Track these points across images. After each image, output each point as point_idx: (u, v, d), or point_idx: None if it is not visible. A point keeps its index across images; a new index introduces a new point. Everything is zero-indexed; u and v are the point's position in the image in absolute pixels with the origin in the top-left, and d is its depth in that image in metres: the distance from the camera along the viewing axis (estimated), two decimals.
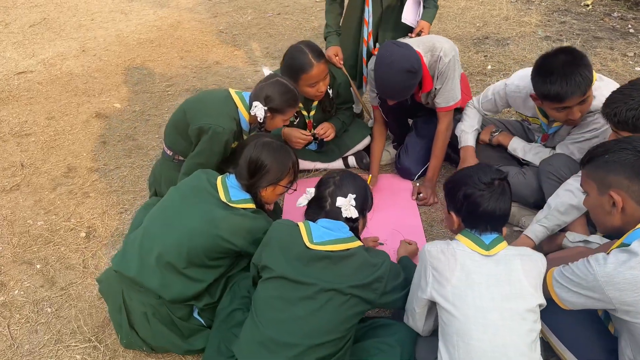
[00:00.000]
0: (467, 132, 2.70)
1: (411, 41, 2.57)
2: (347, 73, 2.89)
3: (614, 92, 1.92)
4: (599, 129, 2.25)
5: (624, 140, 1.59)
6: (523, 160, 2.57)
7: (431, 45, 2.53)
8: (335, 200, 1.79)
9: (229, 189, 1.96)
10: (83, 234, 2.62)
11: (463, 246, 1.63)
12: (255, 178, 1.95)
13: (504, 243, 1.63)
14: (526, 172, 2.45)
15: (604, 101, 1.95)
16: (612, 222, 1.59)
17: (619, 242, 1.56)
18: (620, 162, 1.54)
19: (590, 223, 2.14)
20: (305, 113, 2.83)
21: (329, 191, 1.82)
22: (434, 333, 1.74)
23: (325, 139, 2.82)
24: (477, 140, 2.73)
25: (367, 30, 2.94)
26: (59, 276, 2.39)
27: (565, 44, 4.29)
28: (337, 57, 2.87)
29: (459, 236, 1.67)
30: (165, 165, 2.50)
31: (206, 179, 2.00)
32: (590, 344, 1.69)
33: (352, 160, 3.03)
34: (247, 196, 1.97)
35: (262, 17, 5.38)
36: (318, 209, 1.83)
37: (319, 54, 2.54)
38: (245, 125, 2.32)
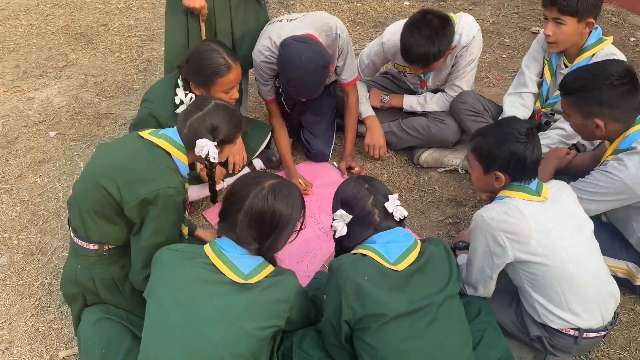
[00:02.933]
0: (363, 103, 2.78)
1: (297, 24, 2.43)
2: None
3: None
4: (473, 55, 2.54)
5: (597, 74, 1.83)
6: (421, 112, 2.77)
7: (322, 24, 2.45)
8: (384, 208, 1.64)
9: (234, 261, 1.54)
10: None
11: (519, 200, 1.72)
12: (273, 237, 1.58)
13: (545, 185, 1.78)
14: (442, 117, 2.66)
15: (467, 36, 2.34)
16: (596, 137, 1.92)
17: (611, 149, 1.88)
18: (599, 95, 1.80)
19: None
20: None
21: (370, 202, 1.65)
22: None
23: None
24: None
25: None
26: None
27: None
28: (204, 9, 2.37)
29: (508, 192, 1.75)
30: (91, 265, 1.84)
31: (192, 258, 1.54)
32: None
33: (258, 163, 2.77)
34: (260, 259, 1.59)
35: None
36: (364, 227, 1.64)
37: (233, 54, 2.19)
38: (184, 172, 1.81)
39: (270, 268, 1.58)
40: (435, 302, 1.52)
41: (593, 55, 2.20)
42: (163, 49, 3.79)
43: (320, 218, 2.48)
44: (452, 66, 2.61)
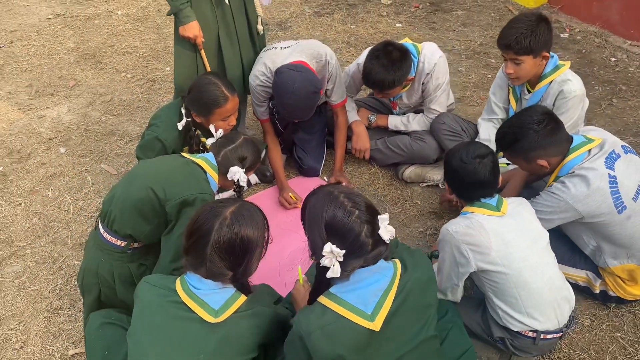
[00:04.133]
0: (349, 111, 2.99)
1: (290, 52, 2.66)
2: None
3: (505, 28, 2.37)
4: (439, 80, 2.73)
5: (521, 126, 2.03)
6: (404, 132, 2.98)
7: (312, 51, 2.68)
8: (376, 235, 1.51)
9: (203, 298, 1.54)
10: None
11: (481, 215, 1.92)
12: (246, 262, 1.58)
13: (504, 200, 1.98)
14: (423, 136, 2.87)
15: (429, 63, 2.63)
16: (545, 173, 2.14)
17: (553, 176, 2.10)
18: (530, 143, 2.01)
19: None
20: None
21: (364, 232, 1.48)
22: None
23: None
24: None
25: None
26: None
27: (335, 16, 4.80)
28: (199, 39, 2.57)
29: (472, 208, 1.95)
30: (114, 260, 2.08)
31: (165, 296, 1.57)
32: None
33: (253, 178, 2.99)
34: (231, 290, 1.59)
35: None
36: (355, 260, 1.49)
37: (231, 87, 2.42)
38: (215, 189, 2.13)
39: (241, 299, 1.58)
40: (409, 350, 1.51)
41: (551, 82, 2.41)
42: (167, 68, 4.06)
43: None
44: (422, 91, 2.82)
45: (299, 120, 2.80)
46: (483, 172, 1.91)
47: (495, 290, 1.91)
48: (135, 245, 2.10)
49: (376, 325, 1.45)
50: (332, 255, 1.46)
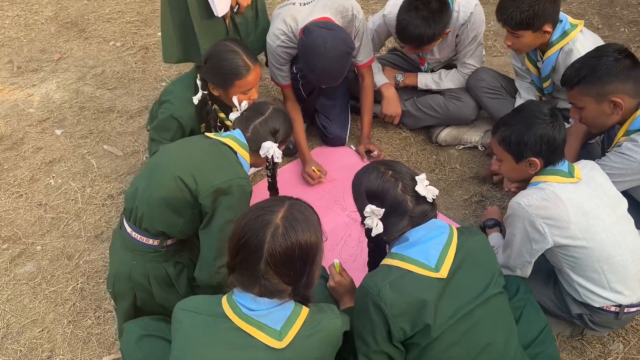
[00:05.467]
0: (376, 73, 2.74)
1: (312, 8, 2.38)
2: None
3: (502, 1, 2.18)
4: (475, 31, 2.50)
5: (600, 53, 1.86)
6: (436, 90, 2.74)
7: (338, 5, 2.40)
8: (414, 192, 1.51)
9: (261, 320, 1.31)
10: None
11: (555, 184, 1.73)
12: (307, 272, 1.35)
13: (574, 165, 1.79)
14: (458, 94, 2.64)
15: (464, 12, 2.37)
16: (613, 121, 1.91)
17: (623, 130, 1.91)
18: (608, 72, 1.82)
19: None
20: (229, 123, 2.40)
21: (399, 189, 1.51)
22: None
23: None
24: None
25: None
26: None
27: None
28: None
29: (543, 177, 1.76)
30: (147, 262, 1.86)
31: (213, 323, 1.33)
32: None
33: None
34: (290, 305, 1.35)
35: None
36: (399, 218, 1.52)
37: (253, 55, 2.15)
38: (247, 170, 1.89)
39: (304, 312, 1.36)
40: (479, 303, 1.47)
41: (561, 49, 2.22)
42: (159, 34, 3.72)
43: (345, 204, 2.49)
44: (457, 45, 2.57)
45: (328, 86, 2.53)
46: (561, 130, 1.71)
47: (573, 266, 1.75)
48: (169, 242, 1.88)
49: (442, 274, 1.44)
50: (372, 214, 1.52)
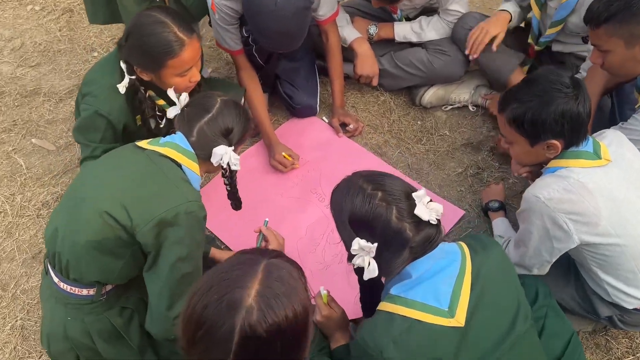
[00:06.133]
0: (344, 27, 2.31)
1: None
2: None
3: None
4: None
5: None
6: (417, 42, 2.33)
7: None
8: (413, 216, 1.17)
9: None
10: None
11: (579, 170, 1.42)
12: (294, 354, 0.99)
13: (600, 143, 1.47)
14: (443, 47, 2.24)
15: None
16: (637, 71, 1.59)
17: None
18: None
19: None
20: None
21: (394, 216, 1.16)
22: None
23: None
24: None
25: None
26: None
27: None
28: None
29: (564, 161, 1.44)
30: (85, 315, 1.49)
31: None
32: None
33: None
34: None
35: None
36: (397, 251, 1.18)
37: (187, 25, 1.67)
38: (197, 185, 1.50)
39: None
40: (506, 348, 1.19)
41: None
42: None
43: (324, 192, 2.13)
44: None
45: (285, 52, 2.10)
46: (586, 103, 1.38)
47: (602, 264, 1.47)
48: (108, 287, 1.50)
49: (458, 320, 1.15)
50: (362, 252, 1.19)
